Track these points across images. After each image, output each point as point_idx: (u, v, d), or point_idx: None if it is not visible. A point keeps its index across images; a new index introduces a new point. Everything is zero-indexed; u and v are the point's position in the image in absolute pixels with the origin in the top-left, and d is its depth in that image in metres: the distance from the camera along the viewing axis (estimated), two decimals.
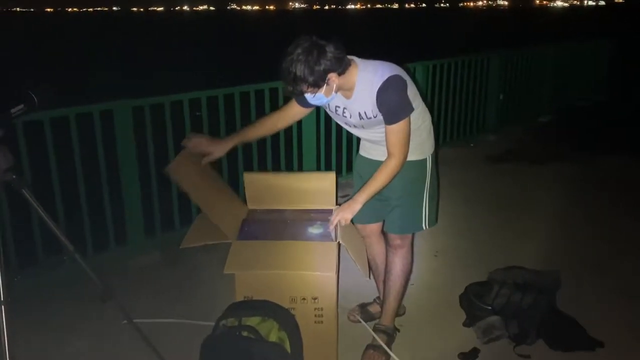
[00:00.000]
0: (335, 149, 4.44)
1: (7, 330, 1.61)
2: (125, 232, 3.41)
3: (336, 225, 2.26)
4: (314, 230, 2.34)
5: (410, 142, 2.33)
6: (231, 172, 3.60)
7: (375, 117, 2.20)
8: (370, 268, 2.76)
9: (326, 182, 2.55)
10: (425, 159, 2.41)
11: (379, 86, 2.12)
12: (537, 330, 2.59)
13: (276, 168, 4.02)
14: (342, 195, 3.70)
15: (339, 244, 2.24)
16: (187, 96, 3.47)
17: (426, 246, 3.53)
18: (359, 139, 2.55)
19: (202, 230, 2.32)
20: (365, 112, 2.21)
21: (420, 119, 2.35)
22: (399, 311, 2.74)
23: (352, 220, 2.59)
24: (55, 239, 2.01)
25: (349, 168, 4.24)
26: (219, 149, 2.36)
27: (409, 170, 2.38)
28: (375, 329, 2.57)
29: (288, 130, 3.71)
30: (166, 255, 3.43)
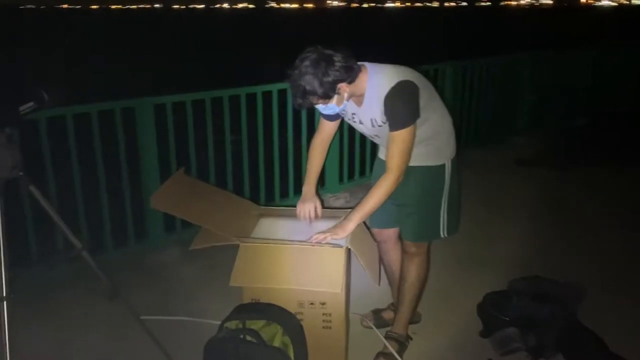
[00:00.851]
0: (359, 149, 4.38)
1: (7, 326, 1.62)
2: (145, 229, 3.44)
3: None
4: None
5: (429, 147, 2.27)
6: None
7: (385, 124, 2.15)
8: (386, 274, 2.72)
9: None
10: (444, 164, 2.33)
11: (386, 92, 2.06)
12: (556, 344, 2.48)
13: (298, 170, 3.97)
14: None
15: (349, 250, 2.19)
16: (209, 95, 3.48)
17: (447, 252, 3.44)
18: None
19: (211, 232, 2.31)
20: (375, 119, 2.16)
21: (439, 123, 2.29)
22: (414, 318, 2.68)
23: (366, 224, 2.57)
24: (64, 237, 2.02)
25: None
26: (315, 199, 2.45)
27: (426, 175, 2.32)
28: (387, 336, 2.52)
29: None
30: (184, 252, 3.44)
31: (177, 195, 2.32)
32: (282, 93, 3.75)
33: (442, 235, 2.42)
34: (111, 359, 2.52)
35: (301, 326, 2.12)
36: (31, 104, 1.74)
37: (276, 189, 3.94)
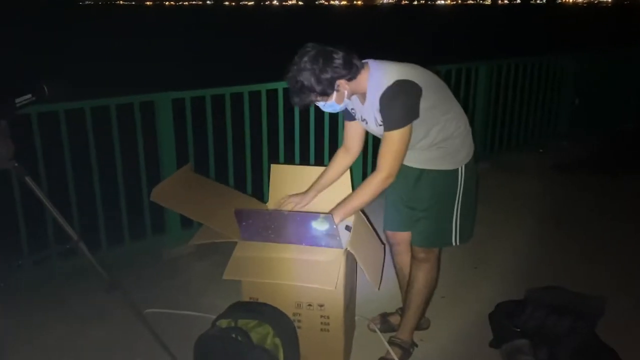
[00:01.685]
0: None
1: None
2: (163, 223, 3.47)
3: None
4: (319, 226, 2.16)
5: (440, 150, 2.19)
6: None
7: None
8: (397, 277, 2.65)
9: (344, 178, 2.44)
10: (457, 169, 2.23)
11: (383, 90, 1.99)
12: None
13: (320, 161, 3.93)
14: None
15: (347, 252, 2.13)
16: (229, 90, 3.47)
17: (467, 257, 3.33)
18: None
19: (212, 229, 2.29)
20: (377, 118, 2.09)
21: (452, 126, 2.18)
22: (422, 324, 2.60)
23: (373, 225, 2.50)
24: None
25: None
26: (305, 199, 2.37)
27: (438, 180, 2.24)
28: (390, 342, 2.45)
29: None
30: (200, 248, 3.46)
31: (179, 190, 2.31)
32: None
33: (453, 243, 2.32)
34: (112, 350, 2.54)
35: (294, 328, 2.08)
36: (28, 96, 1.76)
37: None
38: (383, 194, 2.43)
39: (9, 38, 13.66)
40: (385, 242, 2.56)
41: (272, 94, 3.65)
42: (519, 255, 3.43)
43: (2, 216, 2.96)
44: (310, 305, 2.18)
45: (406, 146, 2.05)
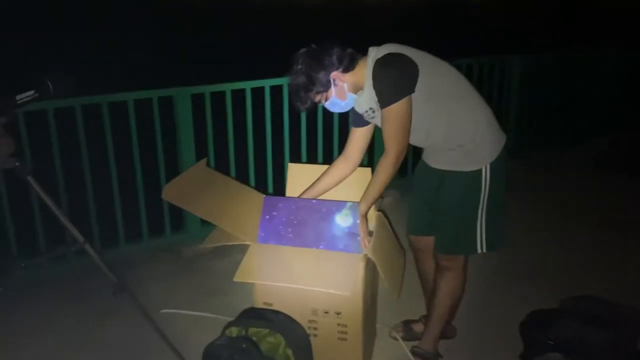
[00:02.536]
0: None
1: None
2: (182, 219, 3.41)
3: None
4: (342, 221, 2.05)
5: (459, 150, 2.03)
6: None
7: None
8: (420, 283, 2.51)
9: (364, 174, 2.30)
10: (480, 169, 2.05)
11: (374, 65, 1.90)
12: None
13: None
14: None
15: (367, 258, 2.00)
16: (249, 84, 3.36)
17: (496, 260, 3.15)
18: None
19: (225, 230, 2.19)
20: (372, 109, 1.98)
21: (470, 122, 2.02)
22: (448, 333, 2.45)
23: (395, 232, 2.36)
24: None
25: None
26: None
27: (459, 182, 2.09)
28: (413, 352, 2.32)
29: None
30: (219, 245, 3.38)
31: (192, 187, 2.22)
32: None
33: (479, 250, 2.16)
34: (128, 349, 2.48)
35: (308, 339, 1.97)
36: (31, 92, 1.69)
37: None
38: (407, 199, 2.32)
39: (20, 28, 13.85)
40: (408, 247, 2.42)
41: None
42: (551, 260, 3.23)
43: (18, 213, 2.92)
44: (326, 312, 2.06)
45: (407, 120, 1.92)
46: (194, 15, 19.69)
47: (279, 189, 3.48)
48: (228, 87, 3.31)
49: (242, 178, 3.43)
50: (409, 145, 2.02)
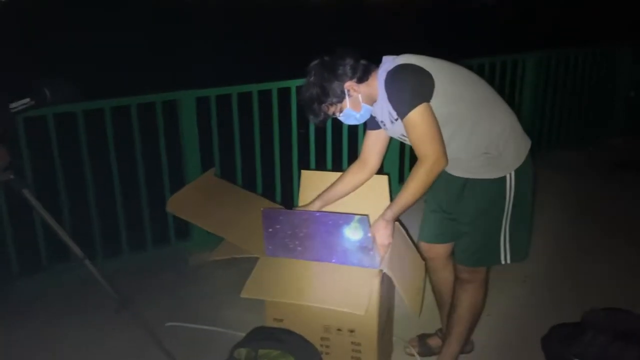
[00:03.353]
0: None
1: None
2: (187, 228, 3.30)
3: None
4: (352, 234, 1.91)
5: (482, 158, 1.91)
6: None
7: (399, 119, 1.86)
8: (434, 295, 2.39)
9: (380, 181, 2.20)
10: (504, 177, 1.94)
11: (385, 77, 1.84)
12: None
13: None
14: None
15: (383, 273, 1.89)
16: (256, 87, 3.25)
17: (515, 268, 3.00)
18: None
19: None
20: (390, 114, 1.88)
21: (492, 123, 1.91)
22: (466, 348, 2.33)
23: (413, 240, 2.24)
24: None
25: None
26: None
27: (481, 190, 1.97)
28: None
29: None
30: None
31: (198, 199, 2.12)
32: None
33: (503, 262, 2.06)
34: None
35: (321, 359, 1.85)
36: (26, 100, 1.58)
37: None
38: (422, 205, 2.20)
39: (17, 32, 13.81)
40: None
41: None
42: (574, 269, 3.09)
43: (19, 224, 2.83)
44: (339, 330, 1.95)
45: (434, 125, 1.80)
46: (197, 16, 19.61)
47: (287, 194, 3.38)
48: (234, 90, 3.20)
49: (250, 183, 3.34)
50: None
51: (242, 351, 1.75)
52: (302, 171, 2.38)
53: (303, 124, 3.23)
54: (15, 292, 2.72)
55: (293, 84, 3.37)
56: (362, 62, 1.89)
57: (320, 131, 3.45)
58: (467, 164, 1.95)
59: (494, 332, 2.53)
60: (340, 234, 1.87)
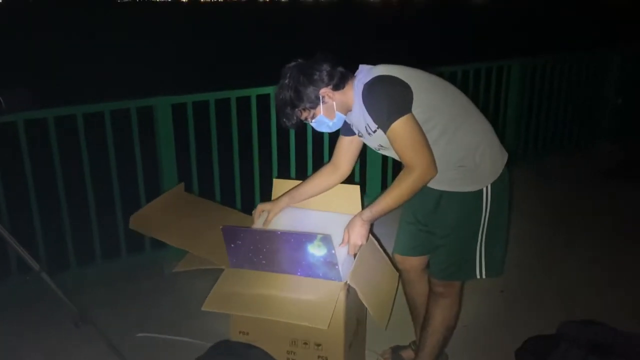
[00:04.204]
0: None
1: None
2: None
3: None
4: (315, 251, 1.86)
5: (459, 170, 1.88)
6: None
7: (378, 129, 1.83)
8: (408, 307, 2.36)
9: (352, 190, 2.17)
10: (481, 190, 1.91)
11: (362, 91, 1.80)
12: None
13: None
14: None
15: (348, 286, 1.85)
16: (235, 94, 3.22)
17: (493, 279, 2.99)
18: None
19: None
20: (368, 125, 1.84)
21: (470, 135, 1.88)
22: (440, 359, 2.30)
23: (386, 251, 2.20)
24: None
25: None
26: (275, 207, 2.13)
27: (457, 203, 1.94)
28: None
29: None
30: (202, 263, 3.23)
31: (164, 214, 2.08)
32: None
33: (478, 276, 2.02)
34: None
35: None
36: None
37: None
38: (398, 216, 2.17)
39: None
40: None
41: None
42: (554, 280, 3.05)
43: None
44: (306, 343, 1.91)
45: (420, 134, 1.77)
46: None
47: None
48: (212, 97, 3.16)
49: (228, 192, 3.30)
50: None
51: None
52: (275, 180, 2.34)
53: (282, 133, 3.21)
54: None
55: (272, 90, 3.33)
56: (340, 69, 1.86)
57: (301, 139, 3.42)
58: (442, 176, 1.91)
59: (469, 343, 2.49)
60: (304, 249, 1.83)
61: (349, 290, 1.86)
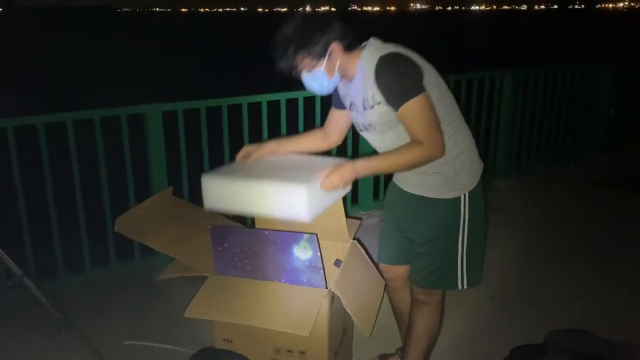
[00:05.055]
0: None
1: None
2: None
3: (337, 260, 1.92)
4: (301, 253, 1.86)
5: (438, 175, 1.87)
6: None
7: (377, 104, 1.75)
8: (394, 315, 2.35)
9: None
10: (459, 197, 1.90)
11: (376, 62, 1.71)
12: None
13: None
14: None
15: (332, 293, 1.85)
16: (226, 102, 3.23)
17: (483, 287, 2.97)
18: None
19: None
20: (366, 98, 1.77)
21: (453, 142, 1.85)
22: None
23: (373, 259, 2.20)
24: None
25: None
26: (260, 150, 2.02)
27: (438, 211, 1.92)
28: None
29: None
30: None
31: (150, 218, 2.08)
32: (309, 100, 3.46)
33: (459, 286, 1.99)
34: None
35: None
36: None
37: None
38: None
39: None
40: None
41: (274, 106, 3.40)
42: (541, 287, 3.06)
43: None
44: (290, 351, 1.91)
45: (435, 115, 1.73)
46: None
47: None
48: (203, 105, 3.17)
49: None
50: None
51: None
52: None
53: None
54: None
55: (264, 98, 3.36)
56: (354, 36, 1.79)
57: None
58: (421, 180, 1.90)
59: (456, 352, 2.49)
60: (289, 252, 1.83)
61: (334, 297, 1.86)
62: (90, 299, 2.90)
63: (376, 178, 3.94)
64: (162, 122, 3.04)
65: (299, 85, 1.85)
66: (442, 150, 1.74)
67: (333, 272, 1.93)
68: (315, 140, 2.09)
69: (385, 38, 1.84)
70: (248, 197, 1.71)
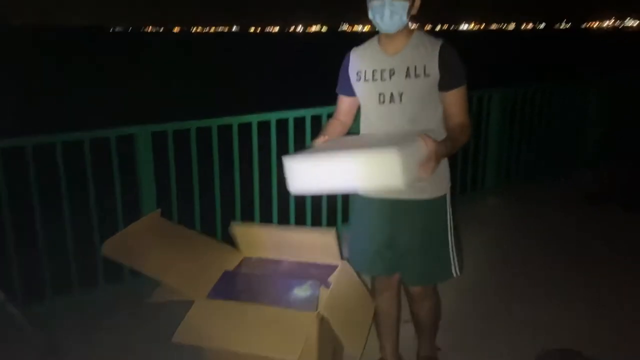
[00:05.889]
0: None
1: None
2: None
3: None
4: (301, 292, 1.95)
5: (437, 175, 1.92)
6: None
7: (425, 76, 1.90)
8: (376, 325, 2.35)
9: (328, 238, 2.15)
10: (445, 194, 2.07)
11: (441, 43, 1.93)
12: None
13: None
14: None
15: (321, 317, 1.83)
16: (216, 122, 3.23)
17: (478, 305, 2.99)
18: None
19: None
20: (416, 67, 1.91)
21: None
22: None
23: (356, 271, 2.21)
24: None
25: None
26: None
27: (428, 210, 2.03)
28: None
29: None
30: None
31: (138, 241, 2.06)
32: (299, 121, 3.48)
33: (454, 274, 2.13)
34: None
35: None
36: None
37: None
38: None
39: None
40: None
41: (264, 126, 3.41)
42: (540, 304, 3.03)
43: None
44: None
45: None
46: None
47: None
48: (193, 125, 3.17)
49: (209, 222, 3.28)
50: None
51: None
52: (235, 227, 2.32)
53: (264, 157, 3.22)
54: None
55: (254, 118, 3.37)
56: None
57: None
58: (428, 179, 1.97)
59: None
60: (289, 290, 1.91)
61: (323, 320, 1.85)
62: (78, 322, 2.86)
63: None
64: (152, 143, 3.03)
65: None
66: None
67: (322, 294, 1.92)
68: (339, 127, 2.17)
69: None
70: (338, 174, 1.68)
